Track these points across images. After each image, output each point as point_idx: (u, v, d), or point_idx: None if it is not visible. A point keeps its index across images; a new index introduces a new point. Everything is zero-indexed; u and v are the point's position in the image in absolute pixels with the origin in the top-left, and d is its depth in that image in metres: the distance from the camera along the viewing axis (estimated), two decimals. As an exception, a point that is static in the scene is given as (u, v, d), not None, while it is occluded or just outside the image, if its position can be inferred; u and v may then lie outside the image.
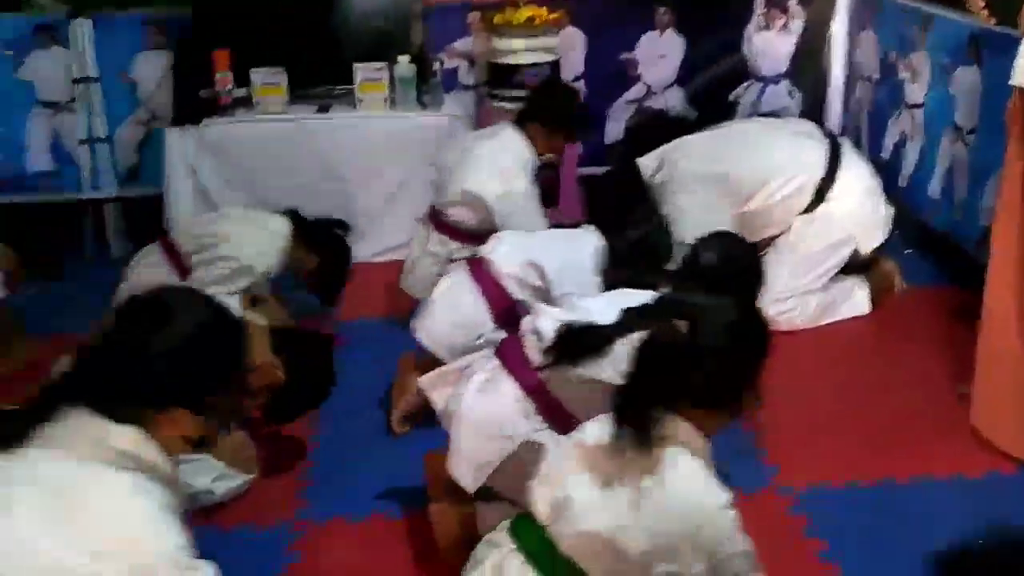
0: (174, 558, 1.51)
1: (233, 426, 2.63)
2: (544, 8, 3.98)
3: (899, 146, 4.07)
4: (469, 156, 3.29)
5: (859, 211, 3.42)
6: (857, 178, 3.44)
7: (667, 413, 1.71)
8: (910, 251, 3.85)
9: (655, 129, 3.94)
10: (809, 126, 3.68)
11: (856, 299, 3.51)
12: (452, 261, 3.20)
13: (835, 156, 3.41)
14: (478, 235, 3.09)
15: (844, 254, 3.43)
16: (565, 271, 2.67)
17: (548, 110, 3.35)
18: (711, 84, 4.54)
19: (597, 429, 1.78)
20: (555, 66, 4.01)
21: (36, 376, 2.58)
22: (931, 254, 3.83)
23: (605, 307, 2.15)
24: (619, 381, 1.88)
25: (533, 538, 1.74)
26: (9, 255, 3.18)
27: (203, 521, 2.41)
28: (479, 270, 2.81)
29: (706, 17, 4.46)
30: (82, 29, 4.13)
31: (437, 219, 3.32)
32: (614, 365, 2.05)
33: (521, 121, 3.33)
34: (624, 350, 1.99)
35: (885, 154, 4.14)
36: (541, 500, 1.77)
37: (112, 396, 1.57)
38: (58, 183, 4.35)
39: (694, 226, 3.14)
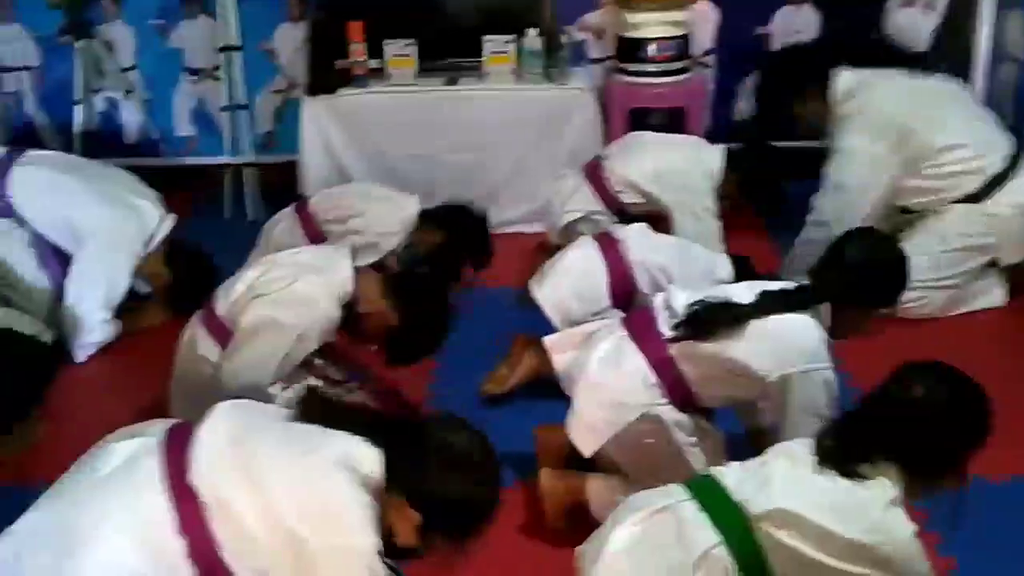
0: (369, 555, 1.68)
1: (355, 386, 2.75)
2: (675, -18, 3.93)
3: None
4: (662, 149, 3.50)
5: (1009, 223, 3.26)
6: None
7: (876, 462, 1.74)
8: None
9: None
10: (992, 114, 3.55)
11: (992, 293, 3.38)
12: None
13: (1018, 154, 3.26)
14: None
15: (987, 257, 3.31)
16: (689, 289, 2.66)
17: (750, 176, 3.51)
18: (850, 61, 4.38)
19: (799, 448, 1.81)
20: (684, 40, 3.96)
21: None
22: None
23: (742, 291, 2.17)
24: (749, 362, 1.93)
25: (711, 493, 1.76)
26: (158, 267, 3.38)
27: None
28: (612, 250, 2.85)
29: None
30: (228, -2, 4.30)
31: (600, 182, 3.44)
32: (747, 344, 2.07)
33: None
34: (759, 330, 2.02)
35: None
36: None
37: None
38: (200, 147, 4.58)
39: (852, 176, 3.25)
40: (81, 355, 3.25)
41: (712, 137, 4.30)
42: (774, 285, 2.19)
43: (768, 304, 2.13)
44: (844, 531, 1.67)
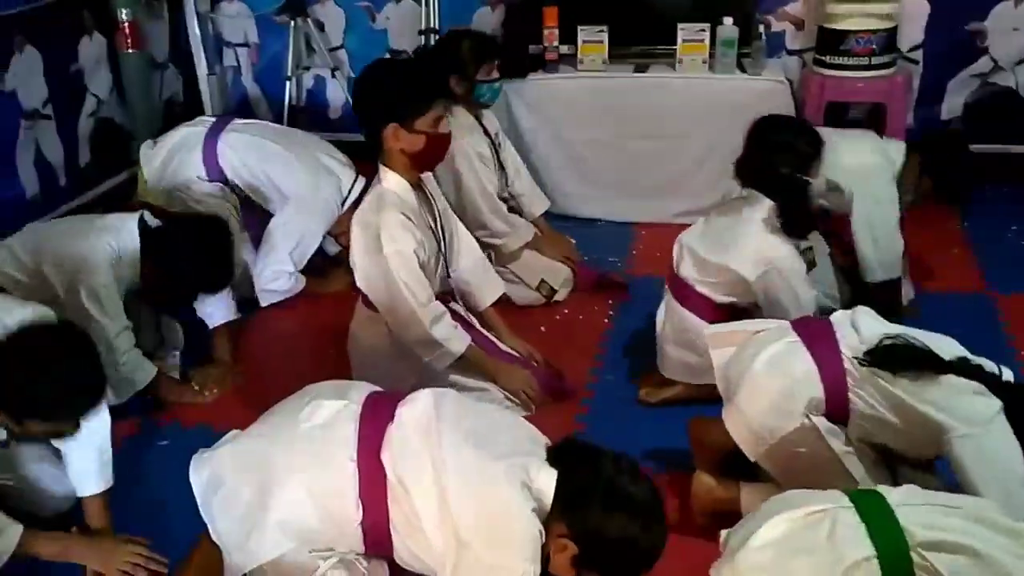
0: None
1: (520, 366, 2.81)
2: (886, -28, 3.75)
3: None
4: None
5: None
6: None
7: None
8: None
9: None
10: None
11: None
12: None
13: None
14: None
15: None
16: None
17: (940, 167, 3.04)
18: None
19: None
20: (891, 33, 3.77)
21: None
22: None
23: (943, 344, 2.08)
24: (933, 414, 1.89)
25: (874, 508, 1.68)
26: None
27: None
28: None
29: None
30: (432, -17, 4.44)
31: None
32: (935, 397, 1.97)
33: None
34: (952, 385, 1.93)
35: None
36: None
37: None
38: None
39: None
40: (265, 300, 3.49)
41: (914, 135, 4.12)
42: (981, 361, 2.06)
43: (970, 369, 2.01)
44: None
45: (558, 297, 3.46)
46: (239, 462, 1.96)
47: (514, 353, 2.86)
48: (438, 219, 2.77)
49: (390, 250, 2.55)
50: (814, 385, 2.13)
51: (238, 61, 4.91)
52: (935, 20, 4.11)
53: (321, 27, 4.70)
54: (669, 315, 2.80)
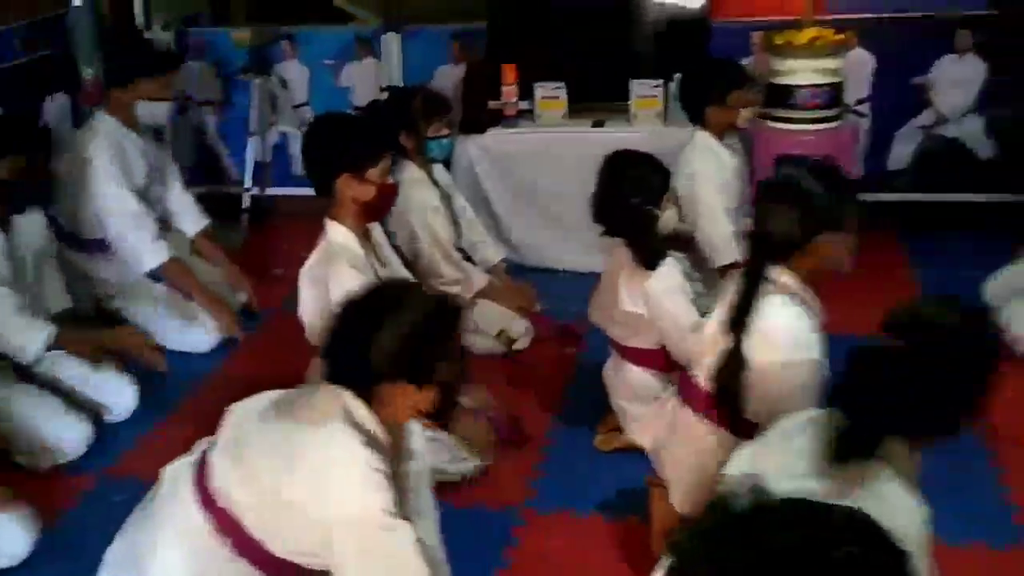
0: (374, 516, 1.73)
1: (476, 415, 2.84)
2: (830, 29, 3.88)
3: None
4: None
5: None
6: None
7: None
8: None
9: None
10: None
11: None
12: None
13: None
14: None
15: None
16: None
17: None
18: (1017, 114, 4.21)
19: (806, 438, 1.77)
20: (836, 88, 3.90)
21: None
22: None
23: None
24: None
25: None
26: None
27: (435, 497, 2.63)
28: None
29: (1016, 42, 4.12)
30: (393, 41, 4.54)
31: None
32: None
33: None
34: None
35: None
36: None
37: (352, 370, 1.83)
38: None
39: None
40: None
41: (866, 186, 4.25)
42: None
43: None
44: None
45: (518, 346, 3.51)
46: (117, 568, 2.03)
47: (469, 403, 2.90)
48: (385, 268, 2.82)
49: (339, 298, 2.59)
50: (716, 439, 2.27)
51: (203, 118, 4.98)
52: (881, 74, 4.26)
53: (285, 84, 4.78)
54: (616, 370, 2.87)
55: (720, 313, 2.27)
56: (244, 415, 1.96)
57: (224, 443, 1.93)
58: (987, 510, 2.52)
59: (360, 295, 1.93)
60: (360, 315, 1.87)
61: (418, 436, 2.09)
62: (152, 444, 3.02)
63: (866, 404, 1.66)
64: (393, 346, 1.80)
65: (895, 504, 1.60)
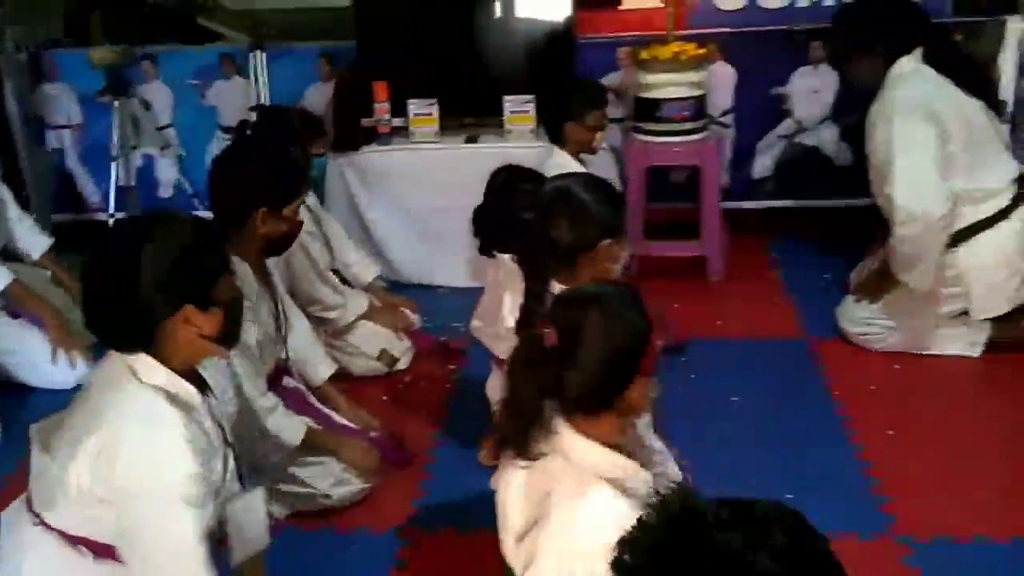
0: (175, 488, 1.68)
1: (359, 436, 2.80)
2: (692, 44, 4.00)
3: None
4: None
5: (986, 273, 3.24)
6: (1006, 237, 3.24)
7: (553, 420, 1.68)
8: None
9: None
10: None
11: (969, 340, 3.35)
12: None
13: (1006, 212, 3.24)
14: None
15: (953, 308, 3.30)
16: None
17: None
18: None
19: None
20: (700, 100, 4.03)
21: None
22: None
23: None
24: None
25: None
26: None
27: (317, 523, 2.59)
28: None
29: (864, 53, 4.35)
30: (260, 60, 4.45)
31: None
32: None
33: None
34: None
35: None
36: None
37: (124, 322, 1.76)
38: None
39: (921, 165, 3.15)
40: None
41: (731, 195, 4.40)
42: None
43: None
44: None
45: (400, 365, 3.49)
46: None
47: (352, 426, 2.85)
48: (279, 301, 2.75)
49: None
50: None
51: (62, 143, 4.78)
52: (742, 86, 4.41)
53: (148, 106, 4.63)
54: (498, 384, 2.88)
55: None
56: (44, 426, 1.86)
57: (34, 461, 1.83)
58: (857, 503, 2.62)
59: (101, 248, 1.83)
60: (112, 264, 1.77)
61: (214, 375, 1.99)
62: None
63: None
64: (163, 270, 1.71)
65: None
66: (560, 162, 3.41)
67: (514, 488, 1.76)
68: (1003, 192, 3.23)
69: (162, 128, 4.68)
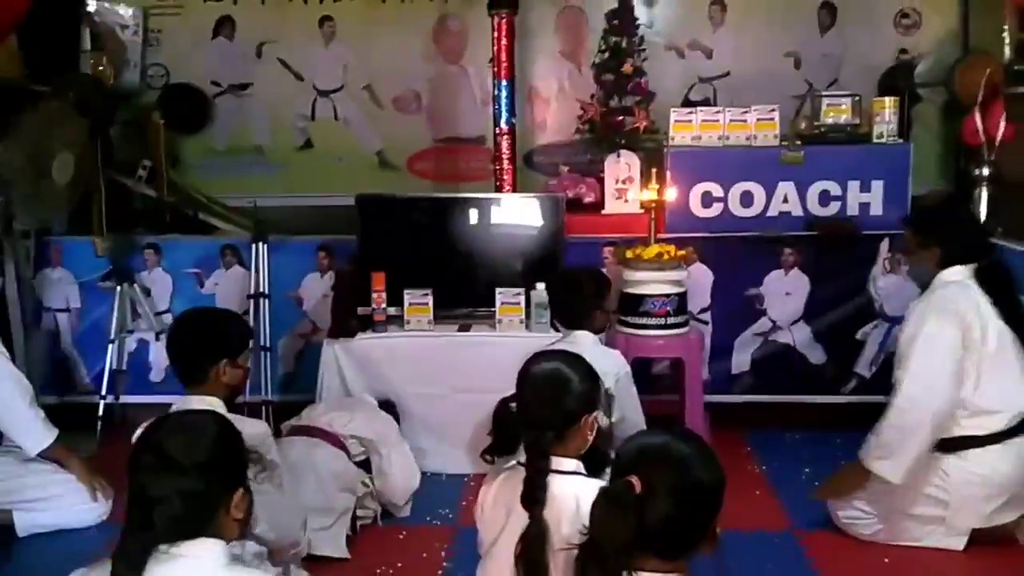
0: None
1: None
2: (673, 246, 4.28)
3: None
4: None
5: (970, 489, 3.35)
6: (1002, 459, 3.34)
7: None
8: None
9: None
10: None
11: (952, 534, 3.42)
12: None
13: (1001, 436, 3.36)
14: None
15: (936, 513, 3.40)
16: None
17: None
18: (837, 322, 4.67)
19: None
20: (682, 297, 4.25)
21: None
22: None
23: None
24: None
25: None
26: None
27: None
28: None
29: (831, 260, 4.65)
30: (262, 251, 4.64)
31: None
32: None
33: None
34: None
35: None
36: None
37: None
38: (223, 387, 4.81)
39: (935, 361, 3.37)
40: None
41: (710, 389, 4.55)
42: None
43: None
44: None
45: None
46: None
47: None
48: None
49: None
50: None
51: (57, 326, 4.87)
52: (718, 286, 4.67)
53: (147, 292, 4.78)
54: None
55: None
56: None
57: None
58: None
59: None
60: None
61: None
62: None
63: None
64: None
65: None
66: (595, 343, 3.79)
67: None
68: (1004, 415, 3.37)
69: (159, 314, 4.81)
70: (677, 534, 1.83)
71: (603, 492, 1.86)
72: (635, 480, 1.80)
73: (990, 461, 3.34)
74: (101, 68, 5.38)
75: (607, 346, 3.98)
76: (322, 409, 3.95)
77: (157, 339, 4.76)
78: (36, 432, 3.72)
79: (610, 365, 3.61)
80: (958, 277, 3.45)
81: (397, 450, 3.88)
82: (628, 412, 3.66)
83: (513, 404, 2.55)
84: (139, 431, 2.25)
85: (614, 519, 1.80)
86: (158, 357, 4.84)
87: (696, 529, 1.85)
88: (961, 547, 3.42)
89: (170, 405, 3.93)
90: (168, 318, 4.81)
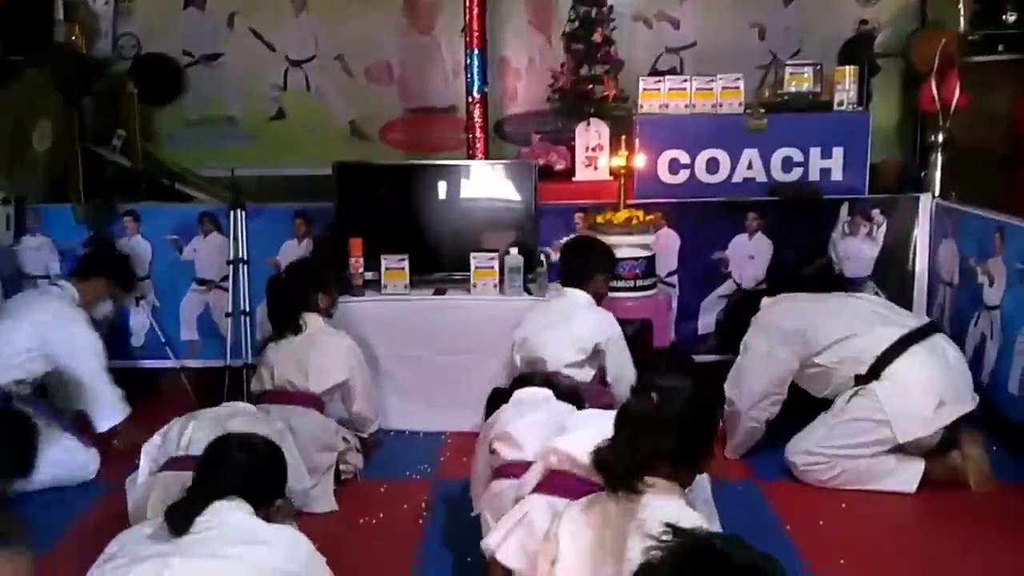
0: None
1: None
2: (641, 211, 4.42)
3: (980, 347, 4.26)
4: None
5: (901, 399, 3.60)
6: (914, 368, 3.64)
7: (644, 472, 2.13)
8: (996, 448, 3.91)
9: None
10: (907, 315, 4.00)
11: (904, 475, 3.64)
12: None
13: (906, 342, 3.66)
14: None
15: (883, 435, 3.61)
16: None
17: None
18: (799, 284, 4.82)
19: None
20: (650, 261, 4.41)
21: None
22: (1018, 450, 3.89)
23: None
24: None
25: None
26: None
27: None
28: None
29: (793, 223, 4.82)
30: (240, 218, 4.72)
31: None
32: None
33: None
34: None
35: (968, 354, 4.30)
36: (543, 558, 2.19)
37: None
38: (202, 352, 4.93)
39: (752, 373, 3.92)
40: None
41: (679, 349, 4.71)
42: None
43: None
44: None
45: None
46: None
47: None
48: None
49: None
50: None
51: (38, 293, 4.92)
52: (685, 250, 4.82)
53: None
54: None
55: None
56: None
57: None
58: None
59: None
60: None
61: None
62: None
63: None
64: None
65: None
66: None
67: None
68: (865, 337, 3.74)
69: (139, 279, 4.87)
70: (689, 439, 2.16)
71: (627, 404, 2.23)
72: (653, 395, 2.16)
73: (904, 370, 3.63)
74: (74, 38, 5.41)
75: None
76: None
77: (137, 304, 4.84)
78: (116, 409, 4.00)
79: (603, 325, 3.90)
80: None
81: None
82: (622, 368, 3.88)
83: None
84: None
85: (639, 425, 2.14)
86: (138, 321, 4.92)
87: (702, 438, 2.22)
88: (914, 488, 3.63)
89: (151, 370, 4.17)
90: (147, 284, 4.89)
